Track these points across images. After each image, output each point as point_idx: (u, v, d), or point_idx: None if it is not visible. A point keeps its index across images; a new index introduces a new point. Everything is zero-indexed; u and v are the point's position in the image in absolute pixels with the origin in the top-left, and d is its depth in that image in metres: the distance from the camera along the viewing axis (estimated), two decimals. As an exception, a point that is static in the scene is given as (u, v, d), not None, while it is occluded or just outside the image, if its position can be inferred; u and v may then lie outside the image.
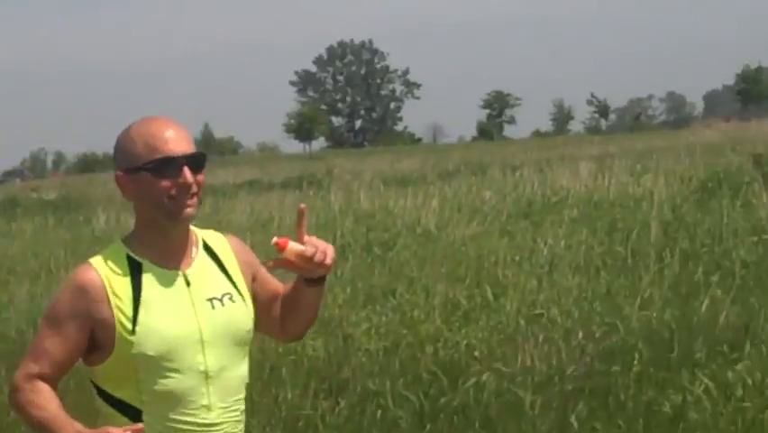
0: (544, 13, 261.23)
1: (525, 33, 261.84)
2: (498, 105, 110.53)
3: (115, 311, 2.85)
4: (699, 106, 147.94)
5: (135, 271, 2.90)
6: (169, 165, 2.86)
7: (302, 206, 2.98)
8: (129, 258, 2.91)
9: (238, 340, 2.96)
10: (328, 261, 2.94)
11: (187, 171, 2.87)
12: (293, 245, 2.92)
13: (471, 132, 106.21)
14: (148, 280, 2.90)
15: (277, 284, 3.15)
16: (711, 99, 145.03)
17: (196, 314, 2.90)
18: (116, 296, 2.86)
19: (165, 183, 2.86)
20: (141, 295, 2.87)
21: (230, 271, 3.01)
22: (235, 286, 3.00)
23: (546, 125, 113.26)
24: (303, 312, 3.12)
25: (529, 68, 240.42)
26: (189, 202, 2.88)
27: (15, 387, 2.89)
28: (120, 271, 2.89)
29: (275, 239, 2.92)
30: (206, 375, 2.89)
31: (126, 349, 2.84)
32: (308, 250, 2.91)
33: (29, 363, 2.89)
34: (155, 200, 2.87)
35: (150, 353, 2.83)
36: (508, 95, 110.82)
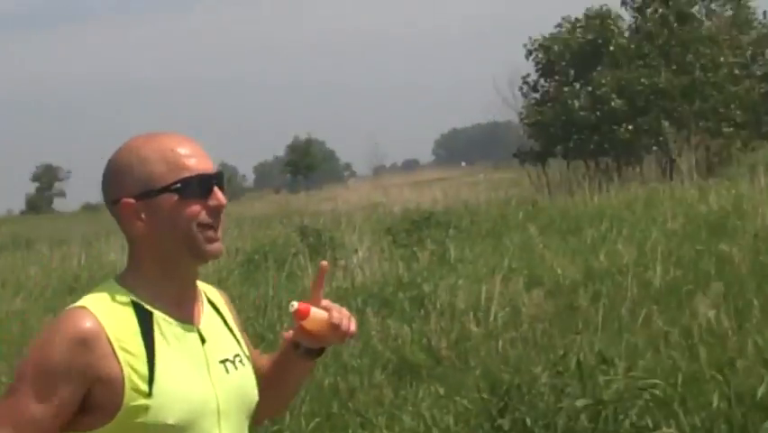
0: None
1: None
2: (47, 178, 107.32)
3: (126, 369, 2.21)
4: (251, 178, 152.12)
5: (144, 322, 2.27)
6: (199, 185, 2.28)
7: (324, 263, 2.49)
8: (135, 305, 2.28)
9: (247, 411, 2.42)
10: (353, 328, 2.45)
11: (219, 192, 2.30)
12: (316, 312, 2.42)
13: (20, 205, 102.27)
14: (160, 333, 2.28)
15: (255, 352, 2.60)
16: (263, 170, 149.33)
17: (211, 378, 2.32)
18: (125, 350, 2.22)
19: (195, 207, 2.27)
20: (155, 351, 2.25)
21: (234, 330, 2.47)
22: (241, 347, 2.45)
23: (97, 198, 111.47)
24: (291, 386, 2.61)
25: (80, 138, 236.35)
26: (219, 234, 2.31)
27: None
28: (126, 320, 2.25)
29: (295, 304, 2.41)
30: None
31: (136, 415, 2.20)
32: (334, 317, 2.41)
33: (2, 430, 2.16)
34: (182, 229, 2.27)
35: (170, 421, 2.22)
36: (58, 167, 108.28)
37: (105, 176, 2.33)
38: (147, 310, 2.28)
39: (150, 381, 2.22)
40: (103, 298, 2.27)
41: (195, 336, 2.34)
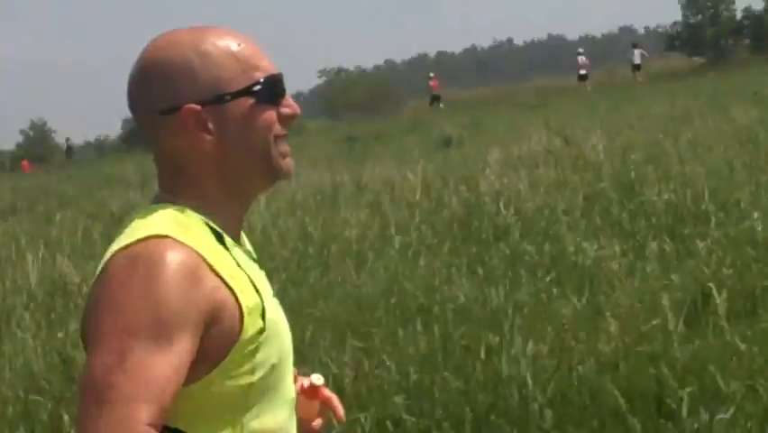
0: None
1: None
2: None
3: (240, 297, 1.75)
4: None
5: (224, 246, 1.81)
6: (275, 88, 1.85)
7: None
8: (207, 225, 1.81)
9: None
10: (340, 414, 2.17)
11: (290, 98, 1.88)
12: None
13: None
14: (241, 259, 1.83)
15: None
16: None
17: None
18: (232, 277, 1.76)
19: (271, 115, 1.84)
20: (251, 277, 1.80)
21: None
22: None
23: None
24: None
25: None
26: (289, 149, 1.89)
27: None
28: (212, 244, 1.78)
29: (317, 379, 2.12)
30: (292, 405, 1.94)
31: (247, 356, 1.76)
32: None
33: (139, 406, 1.59)
34: (259, 142, 1.84)
35: (274, 360, 1.81)
36: None
37: (146, 79, 1.83)
38: (219, 232, 1.83)
39: (263, 312, 1.79)
40: (172, 221, 1.78)
41: (256, 265, 1.92)
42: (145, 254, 1.70)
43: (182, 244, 1.72)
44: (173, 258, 1.69)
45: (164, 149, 1.85)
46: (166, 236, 1.73)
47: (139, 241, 1.72)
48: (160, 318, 1.65)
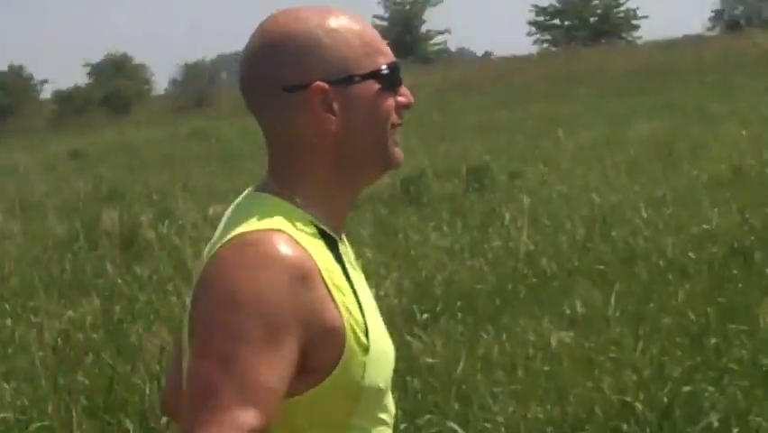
0: None
1: None
2: None
3: (344, 314, 1.65)
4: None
5: (334, 250, 1.72)
6: (397, 75, 1.77)
7: None
8: (316, 227, 1.71)
9: None
10: None
11: (405, 88, 1.80)
12: None
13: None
14: (350, 265, 1.75)
15: None
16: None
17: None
18: (338, 289, 1.66)
19: (391, 102, 1.76)
20: (356, 290, 1.70)
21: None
22: None
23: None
24: None
25: None
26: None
27: None
28: (321, 248, 1.69)
29: None
30: (392, 422, 1.80)
31: (353, 375, 1.66)
32: None
33: (247, 413, 1.50)
34: (380, 128, 1.75)
35: (381, 385, 1.71)
36: None
37: (272, 53, 1.72)
38: (330, 235, 1.73)
39: (366, 330, 1.68)
40: (286, 217, 1.68)
41: (356, 266, 1.82)
42: (260, 247, 1.61)
43: (297, 243, 1.64)
44: (288, 255, 1.61)
45: (281, 128, 1.75)
46: (281, 231, 1.64)
47: (254, 232, 1.64)
48: (269, 320, 1.56)
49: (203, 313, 1.60)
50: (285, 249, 1.61)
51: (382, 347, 1.72)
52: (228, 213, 1.78)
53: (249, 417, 1.50)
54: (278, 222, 1.66)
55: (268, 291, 1.57)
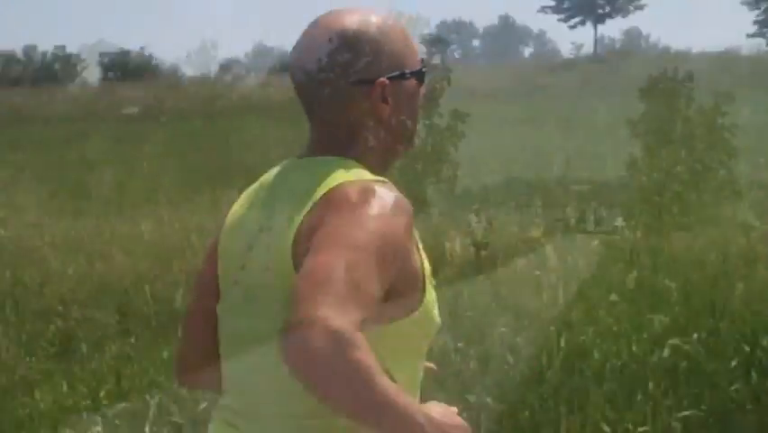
0: None
1: None
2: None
3: (423, 260, 2.01)
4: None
5: None
6: (425, 73, 2.16)
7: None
8: None
9: None
10: None
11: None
12: None
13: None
14: None
15: None
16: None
17: None
18: (418, 239, 2.03)
19: (421, 94, 2.16)
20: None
21: None
22: None
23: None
24: None
25: None
26: None
27: (349, 340, 1.62)
28: None
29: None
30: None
31: (430, 312, 2.00)
32: None
33: (355, 309, 1.69)
34: (414, 116, 2.14)
35: (438, 320, 2.04)
36: None
37: (349, 49, 2.03)
38: None
39: (424, 276, 1.99)
40: (369, 172, 2.01)
41: None
42: (377, 189, 1.90)
43: (399, 193, 1.93)
44: (400, 200, 1.90)
45: (343, 116, 2.06)
46: (386, 182, 1.96)
47: (361, 181, 1.93)
48: (385, 245, 1.80)
49: (326, 232, 1.80)
50: (397, 195, 1.91)
51: (431, 292, 2.01)
52: (270, 180, 2.09)
53: (355, 312, 1.67)
54: (364, 173, 1.98)
55: (395, 225, 1.86)
